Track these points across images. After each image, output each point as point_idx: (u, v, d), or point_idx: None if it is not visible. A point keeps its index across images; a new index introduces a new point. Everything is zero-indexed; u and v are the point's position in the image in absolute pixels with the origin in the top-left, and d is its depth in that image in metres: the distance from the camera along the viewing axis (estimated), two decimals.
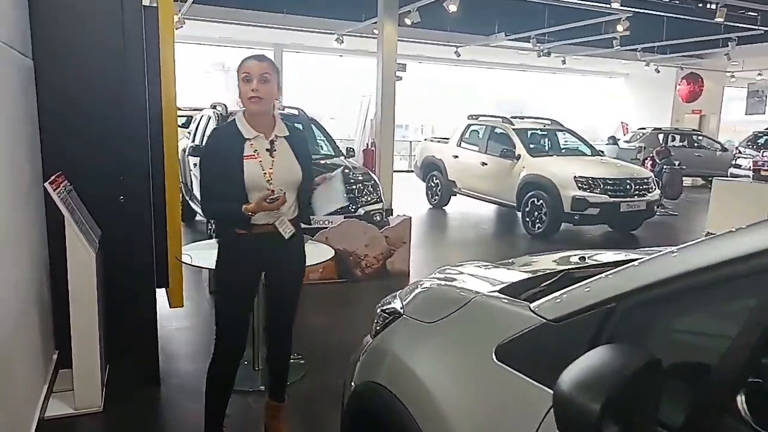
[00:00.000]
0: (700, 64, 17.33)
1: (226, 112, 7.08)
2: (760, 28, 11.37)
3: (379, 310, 1.93)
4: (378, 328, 1.86)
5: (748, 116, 17.87)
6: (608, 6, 9.55)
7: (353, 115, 13.97)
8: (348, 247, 5.60)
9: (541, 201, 7.85)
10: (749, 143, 13.86)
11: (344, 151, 7.29)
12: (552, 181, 7.72)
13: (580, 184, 7.55)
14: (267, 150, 2.36)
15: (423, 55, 16.40)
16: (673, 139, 15.75)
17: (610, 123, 20.34)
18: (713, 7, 10.46)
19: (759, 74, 16.85)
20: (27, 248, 2.80)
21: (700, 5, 10.41)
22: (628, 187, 7.71)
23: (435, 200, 10.39)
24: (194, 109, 9.22)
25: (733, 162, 13.91)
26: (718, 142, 16.08)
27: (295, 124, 7.53)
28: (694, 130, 16.96)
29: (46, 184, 2.65)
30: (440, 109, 21.74)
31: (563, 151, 9.23)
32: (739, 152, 13.86)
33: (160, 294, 3.47)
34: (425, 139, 11.37)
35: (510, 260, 2.25)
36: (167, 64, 3.18)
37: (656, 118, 18.49)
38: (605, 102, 22.29)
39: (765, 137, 13.67)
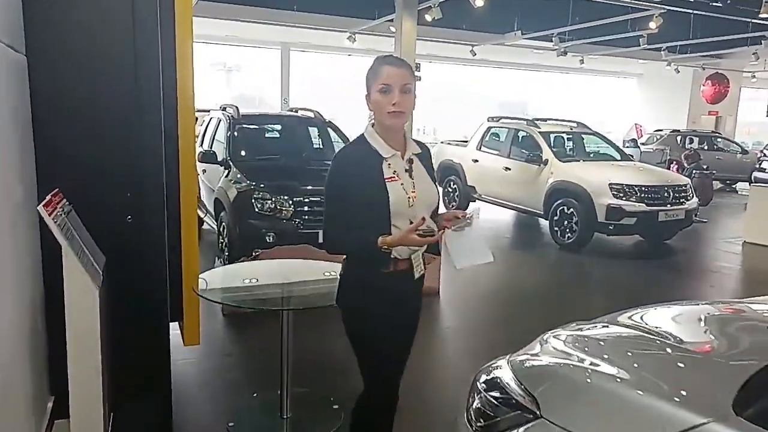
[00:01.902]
0: (719, 64, 16.86)
1: (238, 114, 6.60)
2: None
3: (481, 389, 1.43)
4: (482, 423, 1.34)
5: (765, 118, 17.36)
6: (642, 2, 9.06)
7: (363, 117, 13.49)
8: None
9: (571, 209, 7.35)
10: None
11: None
12: (584, 188, 7.22)
13: (615, 192, 7.06)
14: (406, 171, 2.04)
15: (433, 54, 15.92)
16: (691, 141, 15.26)
17: (621, 124, 19.86)
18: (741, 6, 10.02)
19: None
20: (17, 280, 2.31)
21: (738, 6, 9.89)
22: (666, 194, 7.22)
23: (452, 206, 9.89)
24: (199, 111, 8.73)
25: (758, 165, 13.43)
26: (739, 145, 15.59)
27: (308, 127, 7.08)
28: (713, 131, 16.47)
29: (40, 207, 2.16)
30: (442, 110, 21.22)
31: (592, 155, 8.74)
32: (764, 155, 13.36)
33: (173, 327, 2.99)
34: (441, 142, 10.87)
35: (640, 318, 1.75)
36: (184, 58, 2.69)
37: (671, 119, 18.01)
38: (616, 103, 21.80)
39: None
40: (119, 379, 2.73)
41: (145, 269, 2.74)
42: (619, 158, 8.54)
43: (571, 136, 8.86)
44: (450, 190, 9.99)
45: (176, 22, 2.71)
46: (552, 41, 12.26)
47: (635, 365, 1.38)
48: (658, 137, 15.75)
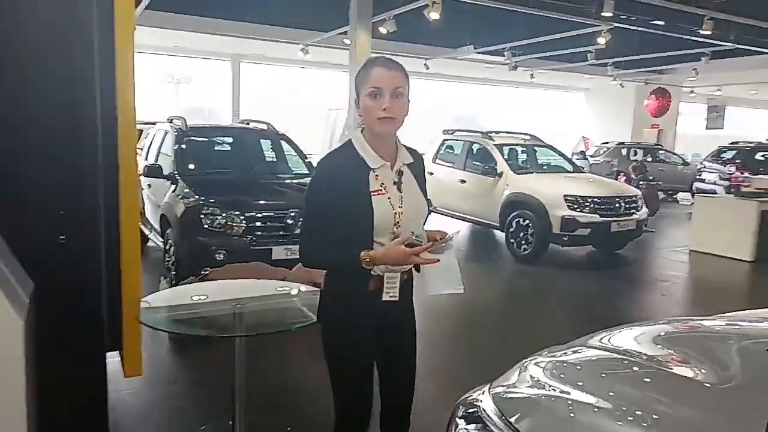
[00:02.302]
0: (660, 79, 17.56)
1: (186, 126, 6.33)
2: (739, 44, 11.40)
3: (461, 423, 1.30)
4: None
5: (708, 131, 18.19)
6: (590, 18, 9.29)
7: (317, 130, 13.32)
8: None
9: (527, 221, 7.39)
10: (713, 158, 13.94)
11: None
12: (539, 200, 7.27)
13: (569, 203, 7.13)
14: (394, 183, 1.88)
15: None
16: (636, 153, 15.78)
17: (570, 137, 20.39)
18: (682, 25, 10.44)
19: (718, 90, 17.17)
20: None
21: (679, 24, 10.29)
22: (617, 205, 7.35)
23: None
24: (145, 123, 8.37)
25: (698, 176, 13.98)
26: (680, 156, 16.22)
27: (260, 140, 6.86)
28: (656, 144, 17.09)
29: None
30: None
31: (545, 167, 8.86)
32: (704, 167, 13.92)
33: (113, 355, 2.73)
34: None
35: (620, 341, 1.67)
36: (125, 68, 2.48)
37: (616, 132, 18.62)
38: (565, 116, 22.39)
39: (729, 151, 13.77)
40: (49, 420, 2.45)
41: (79, 295, 2.49)
42: (571, 170, 8.67)
43: (524, 148, 8.95)
44: None
45: (116, 31, 2.49)
46: (504, 56, 12.46)
47: (617, 395, 1.29)
48: (605, 149, 16.21)
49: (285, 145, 6.92)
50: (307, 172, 6.56)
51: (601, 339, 1.81)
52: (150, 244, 6.64)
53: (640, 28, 10.89)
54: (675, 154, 16.35)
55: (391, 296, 1.91)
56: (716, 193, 11.87)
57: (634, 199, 7.59)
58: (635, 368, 1.51)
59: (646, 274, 7.60)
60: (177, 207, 5.27)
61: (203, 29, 11.86)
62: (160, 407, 3.39)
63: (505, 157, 8.25)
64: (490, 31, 12.24)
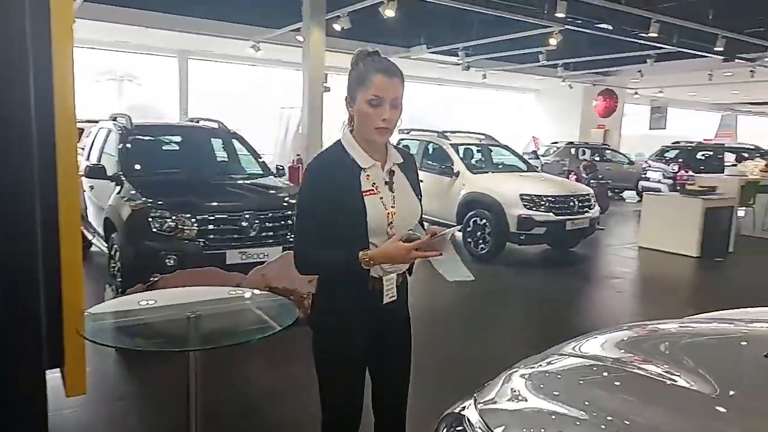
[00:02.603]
0: (605, 80, 18.10)
1: (131, 124, 6.00)
2: (681, 48, 11.80)
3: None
4: None
5: (651, 131, 18.87)
6: (542, 19, 9.42)
7: (269, 129, 13.03)
8: (288, 284, 4.72)
9: (484, 220, 7.40)
10: (657, 157, 14.44)
11: (274, 170, 6.41)
12: (496, 199, 7.29)
13: (525, 203, 7.18)
14: (386, 183, 1.87)
15: (339, 67, 15.75)
16: (584, 153, 16.21)
17: (521, 137, 20.76)
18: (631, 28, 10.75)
19: (660, 91, 17.82)
20: None
21: (624, 27, 10.58)
22: (572, 204, 7.45)
23: None
24: (86, 122, 7.93)
25: (644, 175, 14.46)
26: (626, 156, 16.74)
27: (211, 139, 6.62)
28: (603, 144, 17.59)
29: None
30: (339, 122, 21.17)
31: (500, 167, 8.90)
32: (649, 165, 14.40)
33: (54, 372, 2.49)
34: None
35: (606, 347, 1.61)
36: (63, 64, 2.26)
37: (565, 132, 19.09)
38: (516, 117, 22.78)
39: (671, 151, 14.29)
40: None
41: (14, 307, 2.25)
42: (525, 169, 8.75)
43: (479, 148, 8.98)
44: None
45: (53, 23, 2.27)
46: (458, 55, 12.52)
47: (598, 405, 1.28)
48: (555, 149, 16.59)
49: (237, 145, 6.68)
50: (261, 172, 6.35)
51: (580, 346, 1.76)
52: (93, 249, 6.27)
53: (588, 31, 11.13)
54: (621, 153, 16.87)
55: (390, 297, 1.91)
56: (661, 191, 12.32)
57: (587, 197, 7.71)
58: (616, 377, 1.48)
59: (599, 271, 7.74)
60: (123, 210, 4.97)
61: (147, 23, 11.37)
62: (106, 427, 3.14)
63: (461, 156, 8.25)
64: (443, 30, 12.27)
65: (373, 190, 1.83)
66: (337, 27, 9.25)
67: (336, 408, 1.97)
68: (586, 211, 7.59)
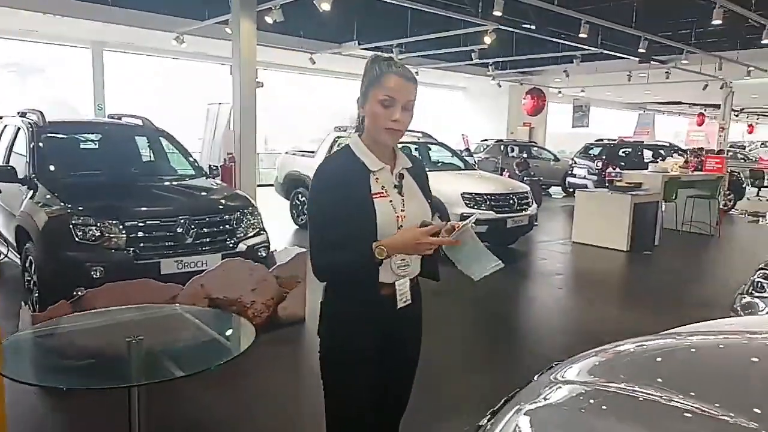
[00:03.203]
0: (531, 80, 18.62)
1: (43, 121, 5.42)
2: (605, 50, 12.23)
3: None
4: None
5: (573, 129, 19.62)
6: (474, 18, 9.45)
7: (194, 126, 12.37)
8: (230, 294, 4.42)
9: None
10: (582, 154, 14.99)
11: (207, 169, 6.01)
12: (439, 198, 7.19)
13: (467, 201, 7.17)
14: (395, 186, 1.85)
15: (267, 61, 15.26)
16: (513, 150, 16.60)
17: (450, 135, 21.01)
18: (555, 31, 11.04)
19: (582, 91, 18.55)
20: None
21: (553, 29, 10.83)
22: (511, 201, 7.52)
23: (302, 220, 9.40)
24: None
25: (571, 171, 14.97)
26: (552, 153, 17.30)
27: (135, 137, 6.14)
28: (530, 141, 18.10)
29: None
30: (273, 120, 20.62)
31: (439, 165, 8.86)
32: (575, 162, 14.92)
33: None
34: (286, 153, 10.32)
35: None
36: None
37: (494, 130, 19.50)
38: (446, 114, 23.03)
39: (595, 148, 14.88)
40: None
41: None
42: (463, 167, 8.77)
43: (417, 146, 8.90)
44: (298, 202, 9.48)
45: None
46: (392, 52, 12.39)
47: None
48: (485, 146, 16.88)
49: (165, 143, 6.21)
50: (193, 172, 5.93)
51: (578, 371, 1.65)
52: (4, 260, 5.64)
53: (517, 30, 11.33)
54: (547, 150, 17.40)
55: (404, 301, 1.88)
56: (587, 187, 12.75)
57: (525, 195, 7.81)
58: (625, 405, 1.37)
59: (539, 268, 7.85)
60: (38, 216, 4.45)
61: (57, 11, 10.45)
62: None
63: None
64: (376, 27, 12.12)
65: (382, 193, 1.82)
66: (269, 19, 8.85)
67: (343, 419, 1.92)
68: (525, 209, 7.68)
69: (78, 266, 4.14)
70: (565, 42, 11.56)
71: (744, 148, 25.11)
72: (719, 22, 8.32)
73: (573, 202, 14.22)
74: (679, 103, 24.46)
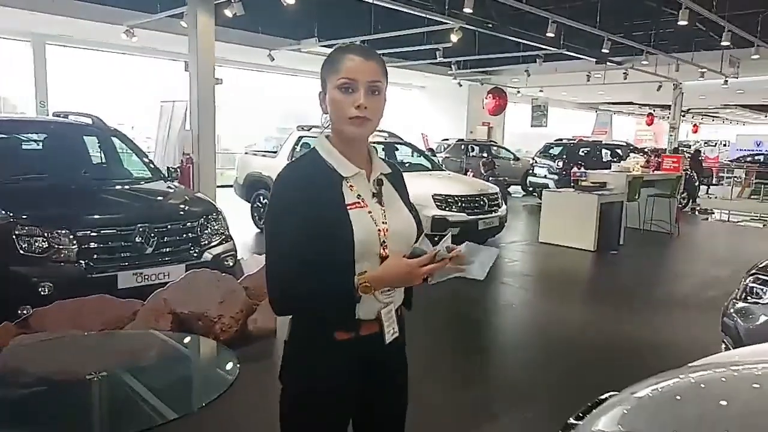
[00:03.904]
0: (490, 79, 18.69)
1: None
2: (567, 50, 12.30)
3: None
4: None
5: (531, 129, 19.82)
6: (438, 15, 9.28)
7: (144, 125, 11.78)
8: (196, 308, 4.06)
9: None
10: (542, 154, 15.11)
11: (165, 172, 5.59)
12: None
13: (438, 203, 7.01)
14: (373, 195, 1.55)
15: (222, 58, 14.71)
16: (472, 150, 16.60)
17: (410, 134, 20.88)
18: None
19: (540, 90, 18.75)
20: None
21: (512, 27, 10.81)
22: (482, 203, 7.40)
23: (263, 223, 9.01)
24: None
25: (532, 171, 15.07)
26: (512, 153, 17.40)
27: (84, 136, 5.65)
28: (490, 141, 18.16)
29: None
30: (223, 119, 20.05)
31: (407, 166, 8.65)
32: (536, 162, 15.02)
33: None
34: (246, 152, 9.90)
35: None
36: None
37: (452, 129, 19.48)
38: (403, 114, 22.90)
39: (555, 147, 15.02)
40: None
41: None
42: (431, 168, 8.59)
43: (384, 146, 8.67)
44: (260, 205, 9.08)
45: None
46: None
47: None
48: (446, 146, 16.82)
49: (118, 143, 5.76)
50: (150, 175, 5.51)
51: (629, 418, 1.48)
52: None
53: (481, 30, 11.25)
54: (507, 149, 17.49)
55: (392, 333, 1.59)
56: (548, 187, 12.83)
57: (495, 196, 7.71)
58: None
59: (507, 269, 7.74)
60: None
61: None
62: None
63: None
64: (338, 24, 11.81)
65: (359, 202, 1.51)
66: (228, 13, 8.42)
67: None
68: (496, 210, 7.58)
69: (23, 282, 3.71)
70: (528, 42, 11.56)
71: (689, 147, 26.07)
72: (685, 23, 8.44)
73: (533, 201, 14.50)
74: (631, 103, 25.12)
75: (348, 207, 1.48)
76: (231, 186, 10.18)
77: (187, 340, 2.58)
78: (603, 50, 10.76)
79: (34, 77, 13.39)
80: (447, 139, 17.35)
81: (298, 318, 1.54)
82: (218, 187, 9.63)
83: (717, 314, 3.71)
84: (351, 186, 1.51)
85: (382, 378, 1.62)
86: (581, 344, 4.72)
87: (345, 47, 1.51)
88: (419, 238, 1.60)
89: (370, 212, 1.51)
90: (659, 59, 13.27)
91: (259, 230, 9.08)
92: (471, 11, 8.13)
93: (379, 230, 1.50)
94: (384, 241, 1.51)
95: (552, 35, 9.60)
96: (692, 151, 17.54)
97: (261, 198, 9.04)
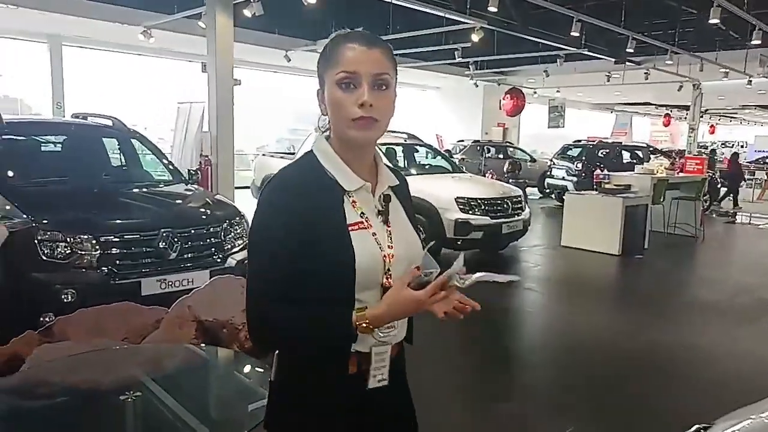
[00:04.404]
0: (506, 80, 18.49)
1: (0, 121, 4.81)
2: (589, 51, 12.10)
3: None
4: None
5: (547, 130, 19.59)
6: (460, 14, 9.12)
7: (161, 126, 11.73)
8: (221, 315, 3.94)
9: (419, 226, 6.93)
10: (560, 155, 14.87)
11: (186, 174, 5.49)
12: (431, 203, 6.86)
13: (461, 206, 6.84)
14: (378, 213, 1.31)
15: (238, 59, 14.66)
16: (489, 151, 16.40)
17: (424, 136, 20.72)
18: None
19: (557, 91, 18.51)
20: None
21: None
22: (506, 206, 7.21)
23: None
24: None
25: (549, 173, 14.84)
26: (528, 154, 17.17)
27: (104, 138, 5.55)
28: (506, 142, 17.95)
29: None
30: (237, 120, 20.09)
31: (427, 168, 8.51)
32: (553, 163, 14.80)
33: None
34: (263, 155, 9.81)
35: None
36: None
37: (467, 130, 19.30)
38: (418, 115, 22.74)
39: (573, 149, 14.79)
40: None
41: None
42: (451, 170, 8.44)
43: (403, 148, 8.53)
44: None
45: None
46: None
47: None
48: (461, 147, 16.64)
49: (138, 145, 5.67)
50: (170, 177, 5.41)
51: None
52: None
53: (500, 30, 11.09)
54: (523, 151, 17.26)
55: (380, 380, 1.31)
56: (567, 189, 12.62)
57: (519, 199, 7.53)
58: None
59: (535, 273, 7.57)
60: None
61: (10, 1, 9.67)
62: None
63: (387, 157, 7.76)
64: (355, 23, 11.67)
65: (362, 222, 1.27)
66: (247, 13, 8.32)
67: None
68: (520, 213, 7.40)
69: (45, 289, 3.60)
70: (548, 42, 11.38)
71: (706, 148, 25.66)
72: (717, 21, 8.21)
73: (551, 204, 14.27)
74: (647, 104, 24.79)
75: (350, 228, 1.25)
76: (245, 187, 10.09)
77: (222, 354, 2.46)
78: (627, 50, 10.54)
79: (51, 78, 13.40)
80: (462, 140, 17.18)
81: (284, 355, 1.31)
82: (238, 188, 9.56)
83: (756, 323, 3.53)
84: (354, 202, 1.28)
85: (380, 419, 1.38)
86: (616, 354, 4.54)
87: (344, 34, 1.28)
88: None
89: (374, 234, 1.28)
90: (681, 59, 13.01)
91: None
92: (496, 9, 7.96)
93: (384, 256, 1.27)
94: (389, 269, 1.27)
95: (576, 34, 9.42)
96: (731, 153, 16.98)
97: None
